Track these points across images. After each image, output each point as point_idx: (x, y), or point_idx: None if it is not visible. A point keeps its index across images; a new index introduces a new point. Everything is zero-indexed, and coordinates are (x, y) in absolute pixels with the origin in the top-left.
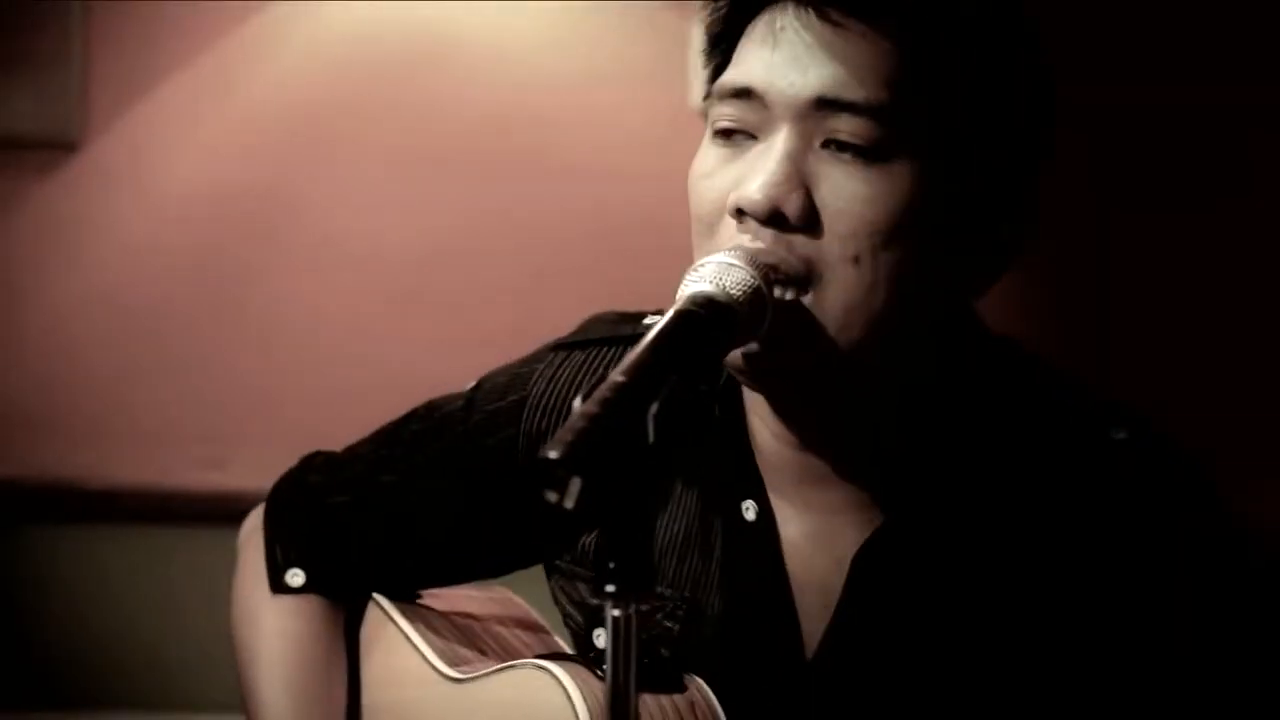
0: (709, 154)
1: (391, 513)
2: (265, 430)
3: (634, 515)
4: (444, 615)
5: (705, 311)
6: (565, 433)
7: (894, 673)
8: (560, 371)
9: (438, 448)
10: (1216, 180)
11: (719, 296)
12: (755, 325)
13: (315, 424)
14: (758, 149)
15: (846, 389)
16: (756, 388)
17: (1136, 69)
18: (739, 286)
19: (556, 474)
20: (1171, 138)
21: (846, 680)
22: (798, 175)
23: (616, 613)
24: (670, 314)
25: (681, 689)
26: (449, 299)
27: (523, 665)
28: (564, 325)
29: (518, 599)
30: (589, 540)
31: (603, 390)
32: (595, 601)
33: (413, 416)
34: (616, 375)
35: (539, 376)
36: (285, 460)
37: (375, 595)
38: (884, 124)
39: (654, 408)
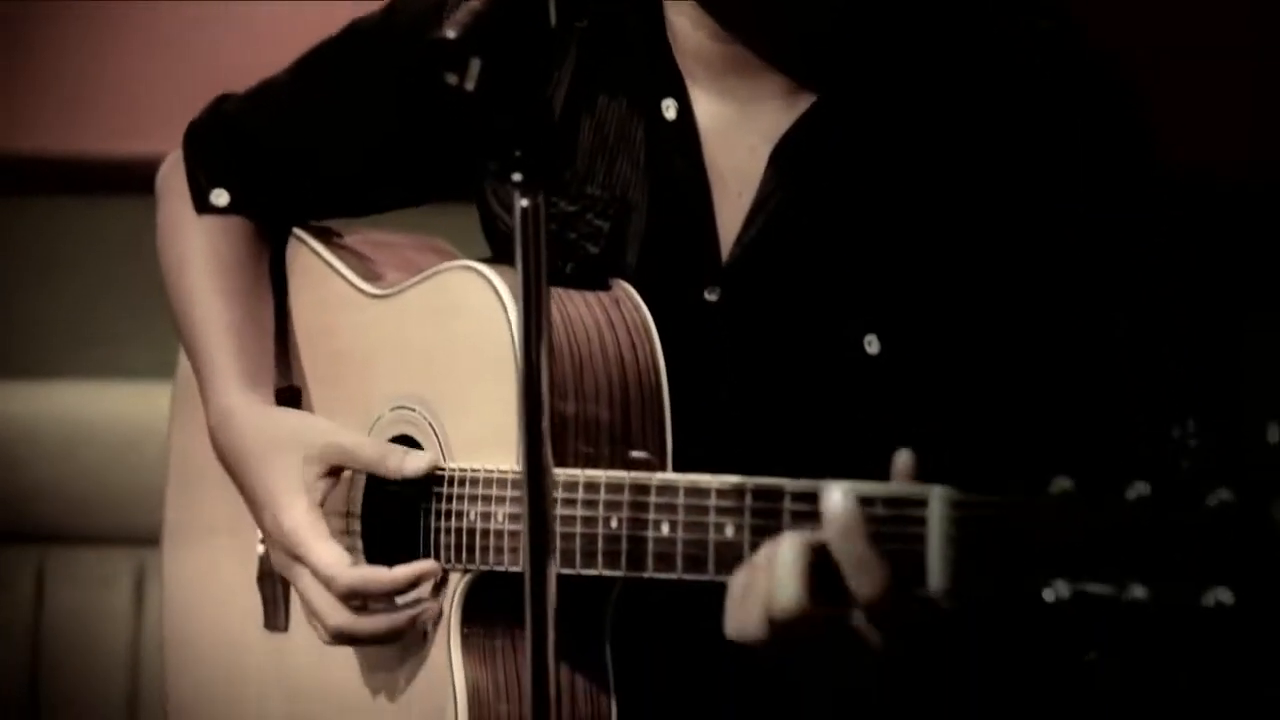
0: None
1: (315, 127)
2: (184, 94)
3: (538, 99)
4: (362, 244)
5: None
6: (463, 14)
7: (804, 261)
8: None
9: (362, 58)
10: None
11: None
12: None
13: (235, 81)
14: None
15: None
16: None
17: None
18: None
19: (455, 55)
20: None
21: (758, 267)
22: None
23: (524, 202)
24: None
25: (606, 287)
26: None
27: (449, 268)
28: None
29: (436, 239)
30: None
31: None
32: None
33: (329, 40)
34: None
35: None
36: None
37: (295, 230)
38: None
39: None
